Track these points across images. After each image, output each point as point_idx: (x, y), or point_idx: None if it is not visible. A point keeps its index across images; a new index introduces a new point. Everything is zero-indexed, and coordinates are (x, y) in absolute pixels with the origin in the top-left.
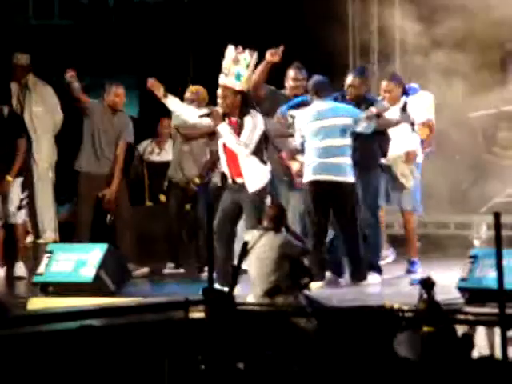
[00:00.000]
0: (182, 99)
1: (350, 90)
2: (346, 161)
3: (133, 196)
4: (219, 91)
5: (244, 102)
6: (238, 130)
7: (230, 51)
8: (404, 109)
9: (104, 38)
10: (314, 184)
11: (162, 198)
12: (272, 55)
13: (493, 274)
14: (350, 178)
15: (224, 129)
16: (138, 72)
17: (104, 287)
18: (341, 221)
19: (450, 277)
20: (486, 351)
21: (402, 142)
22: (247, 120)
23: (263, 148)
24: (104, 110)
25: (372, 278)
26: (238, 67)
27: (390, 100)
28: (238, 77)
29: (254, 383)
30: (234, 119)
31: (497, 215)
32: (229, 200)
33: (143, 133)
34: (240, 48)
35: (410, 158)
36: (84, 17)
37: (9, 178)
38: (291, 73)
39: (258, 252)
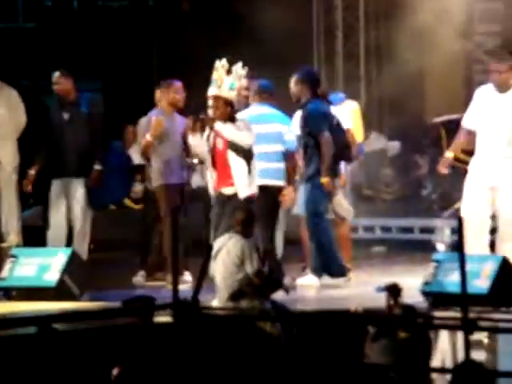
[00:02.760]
0: (145, 102)
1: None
2: (281, 166)
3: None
4: (210, 102)
5: (232, 114)
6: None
7: (222, 63)
8: None
9: (68, 41)
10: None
11: (127, 202)
12: None
13: (456, 278)
14: (281, 182)
15: (220, 125)
16: (103, 75)
17: (68, 292)
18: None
19: (414, 281)
20: (448, 355)
21: None
22: (238, 124)
23: (252, 158)
24: (167, 118)
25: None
26: (231, 78)
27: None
28: (231, 87)
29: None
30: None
31: (460, 220)
32: (218, 216)
33: (108, 137)
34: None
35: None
36: (48, 20)
37: None
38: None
39: (223, 256)
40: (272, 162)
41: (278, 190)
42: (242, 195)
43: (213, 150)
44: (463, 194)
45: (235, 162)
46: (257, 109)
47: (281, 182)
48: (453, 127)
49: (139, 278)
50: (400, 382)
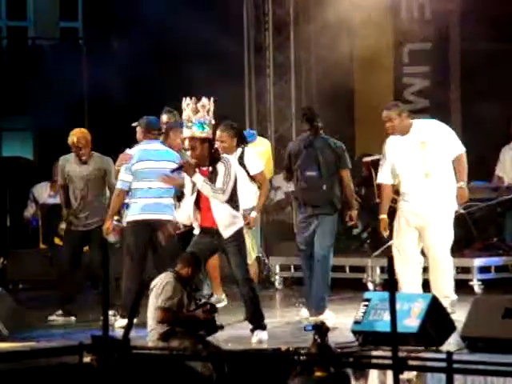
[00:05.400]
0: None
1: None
2: (169, 201)
3: (26, 239)
4: (186, 143)
5: (211, 150)
6: (212, 177)
7: (187, 102)
8: (241, 158)
9: None
10: (141, 222)
11: (57, 240)
12: None
13: (386, 317)
14: (172, 216)
15: (198, 179)
16: (32, 113)
17: None
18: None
19: (344, 320)
20: None
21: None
22: (219, 167)
23: (236, 193)
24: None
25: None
26: (199, 116)
27: (223, 150)
28: (200, 126)
29: None
30: (204, 169)
31: (390, 259)
32: (204, 243)
33: (38, 175)
34: (193, 99)
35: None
36: None
37: None
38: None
39: (155, 294)
40: (160, 198)
41: (163, 223)
42: (226, 236)
43: (198, 194)
44: (394, 236)
45: (216, 206)
46: (147, 145)
47: (167, 216)
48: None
49: (55, 316)
50: None
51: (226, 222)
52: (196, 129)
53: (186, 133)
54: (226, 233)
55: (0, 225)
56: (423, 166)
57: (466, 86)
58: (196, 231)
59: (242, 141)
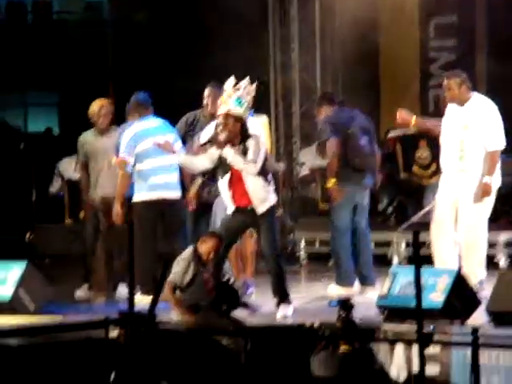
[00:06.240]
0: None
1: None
2: (176, 177)
3: (52, 213)
4: (219, 120)
5: (243, 130)
6: (242, 154)
7: (230, 81)
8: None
9: (24, 55)
10: (149, 201)
11: (82, 215)
12: None
13: (411, 292)
14: (179, 193)
15: (229, 152)
16: (59, 89)
17: (23, 306)
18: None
19: (369, 295)
20: (403, 369)
21: None
22: (249, 142)
23: (267, 169)
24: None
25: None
26: (239, 93)
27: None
28: (238, 102)
29: None
30: (235, 148)
31: (416, 234)
32: (236, 222)
33: (64, 150)
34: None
35: None
36: (3, 33)
37: None
38: (206, 90)
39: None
40: (169, 174)
41: (171, 202)
42: (260, 211)
43: (231, 168)
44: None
45: (250, 181)
46: (144, 123)
47: (174, 194)
48: (408, 142)
49: (81, 291)
50: None
51: (261, 196)
52: (233, 105)
53: (222, 109)
54: (261, 208)
55: (26, 200)
56: (460, 148)
57: (493, 59)
58: (229, 210)
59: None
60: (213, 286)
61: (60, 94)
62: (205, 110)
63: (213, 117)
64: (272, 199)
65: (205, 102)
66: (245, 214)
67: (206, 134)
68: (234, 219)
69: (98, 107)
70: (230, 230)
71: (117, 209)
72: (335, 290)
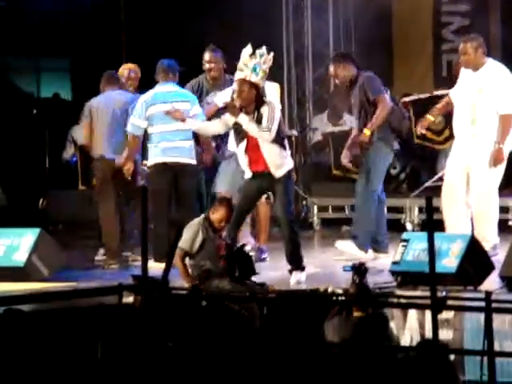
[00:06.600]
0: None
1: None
2: (189, 144)
3: (66, 180)
4: (235, 86)
5: (258, 97)
6: (256, 121)
7: (247, 48)
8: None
9: (36, 20)
10: (162, 165)
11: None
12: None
13: (424, 258)
14: (193, 160)
15: (244, 119)
16: (71, 54)
17: (36, 272)
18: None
19: (382, 260)
20: (417, 334)
21: None
22: (264, 109)
23: (282, 135)
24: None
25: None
26: (255, 61)
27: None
28: (254, 69)
29: (184, 361)
30: (249, 115)
31: (429, 199)
32: (253, 187)
33: (76, 117)
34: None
35: None
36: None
37: None
38: (205, 55)
39: None
40: (182, 140)
41: (183, 167)
42: (278, 175)
43: (246, 138)
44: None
45: (266, 147)
46: (161, 87)
47: (187, 159)
48: (421, 107)
49: (99, 256)
50: (354, 361)
51: (278, 162)
52: (249, 72)
53: (237, 75)
54: (278, 173)
55: (39, 166)
56: (472, 112)
57: (506, 25)
58: (247, 175)
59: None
60: (225, 253)
61: (72, 59)
62: (207, 75)
63: (216, 80)
64: (289, 164)
65: (206, 66)
66: (262, 179)
67: (222, 97)
68: (252, 185)
69: (128, 70)
70: (248, 197)
71: (128, 166)
72: (348, 248)
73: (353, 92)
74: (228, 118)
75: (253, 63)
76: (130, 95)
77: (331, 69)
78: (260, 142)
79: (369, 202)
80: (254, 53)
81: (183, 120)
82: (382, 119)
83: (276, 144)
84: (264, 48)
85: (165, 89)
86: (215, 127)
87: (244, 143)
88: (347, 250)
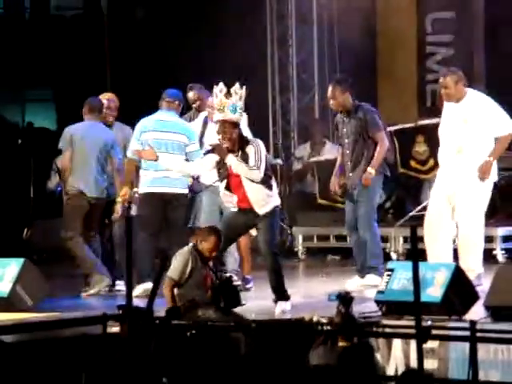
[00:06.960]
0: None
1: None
2: (177, 175)
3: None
4: (218, 128)
5: (241, 135)
6: (243, 160)
7: (220, 87)
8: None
9: (20, 50)
10: (150, 195)
11: None
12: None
13: (409, 287)
14: (183, 189)
15: (232, 160)
16: (55, 84)
17: (21, 302)
18: (172, 230)
19: (367, 289)
20: (402, 363)
21: None
22: (249, 148)
23: (268, 173)
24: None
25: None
26: (233, 100)
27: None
28: (233, 109)
29: None
30: (235, 154)
31: (413, 229)
32: (240, 221)
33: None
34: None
35: None
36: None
37: None
38: (189, 96)
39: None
40: (168, 171)
41: (173, 196)
42: (261, 212)
43: (229, 174)
44: (428, 201)
45: (250, 188)
46: (158, 115)
47: (177, 190)
48: (406, 136)
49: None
50: None
51: (262, 202)
52: (229, 112)
53: (217, 116)
54: (262, 210)
55: (24, 195)
56: (457, 141)
57: (490, 55)
58: (233, 209)
59: None
60: (212, 283)
61: (57, 89)
62: (195, 115)
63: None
64: (274, 201)
65: (194, 106)
66: (247, 215)
67: (210, 139)
68: (237, 219)
69: (107, 100)
70: (232, 228)
71: (123, 192)
72: (372, 281)
73: (348, 122)
74: (209, 158)
75: (230, 103)
76: (111, 135)
77: (330, 90)
78: (243, 181)
79: (374, 227)
80: (228, 91)
81: (155, 159)
82: (382, 157)
83: (262, 184)
84: (237, 85)
85: (164, 117)
86: (196, 168)
87: (224, 183)
88: (373, 283)
